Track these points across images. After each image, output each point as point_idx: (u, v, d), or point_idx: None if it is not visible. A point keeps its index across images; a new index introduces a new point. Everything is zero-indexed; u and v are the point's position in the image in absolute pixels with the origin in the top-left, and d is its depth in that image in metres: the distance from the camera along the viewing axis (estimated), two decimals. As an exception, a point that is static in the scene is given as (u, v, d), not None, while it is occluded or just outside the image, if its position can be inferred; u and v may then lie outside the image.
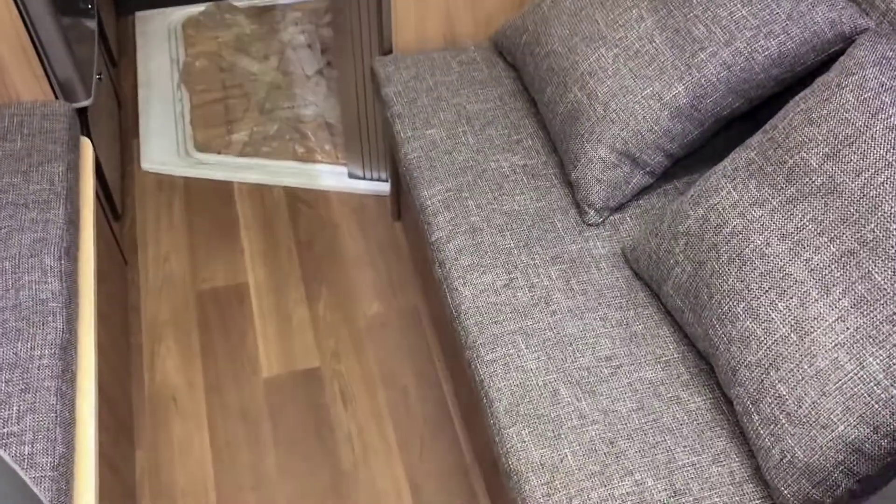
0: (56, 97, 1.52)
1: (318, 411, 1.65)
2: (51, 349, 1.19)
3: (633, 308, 1.22)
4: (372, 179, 2.03)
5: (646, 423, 1.10)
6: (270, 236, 1.94)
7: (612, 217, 1.34)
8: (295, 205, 2.01)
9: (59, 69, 1.50)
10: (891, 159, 0.96)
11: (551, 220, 1.33)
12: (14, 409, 1.12)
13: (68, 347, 1.21)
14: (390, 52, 1.65)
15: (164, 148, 2.09)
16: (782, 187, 1.05)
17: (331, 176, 2.05)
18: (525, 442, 1.09)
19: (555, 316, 1.21)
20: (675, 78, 1.24)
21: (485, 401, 1.15)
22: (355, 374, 1.71)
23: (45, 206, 1.35)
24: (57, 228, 1.33)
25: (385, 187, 2.01)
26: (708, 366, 1.15)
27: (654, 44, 1.26)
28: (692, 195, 1.16)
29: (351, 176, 2.04)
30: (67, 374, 1.19)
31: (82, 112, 1.58)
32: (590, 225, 1.33)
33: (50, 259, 1.28)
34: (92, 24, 1.78)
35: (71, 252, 1.33)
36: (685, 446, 1.07)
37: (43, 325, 1.21)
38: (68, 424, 1.14)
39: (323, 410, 1.65)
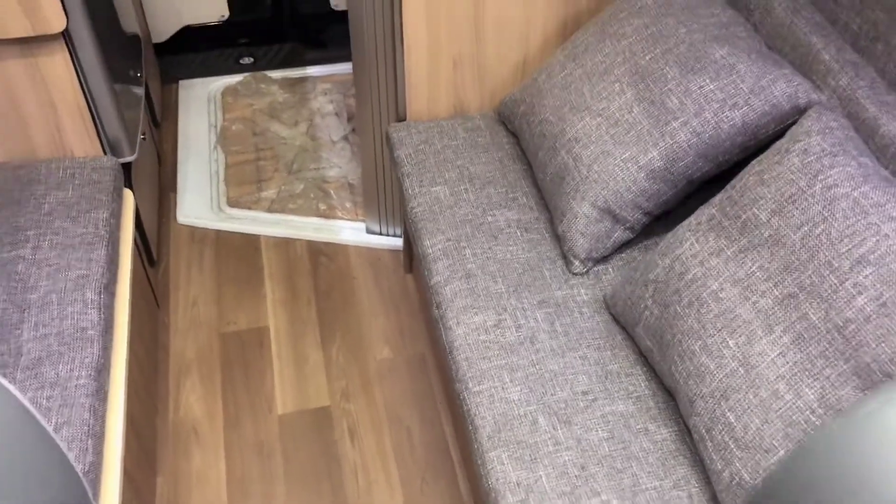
0: (105, 153, 1.71)
1: (327, 447, 1.77)
2: (87, 371, 1.34)
3: (611, 349, 1.34)
4: (388, 235, 2.18)
5: (615, 450, 1.21)
6: (292, 285, 2.10)
7: (595, 268, 1.47)
8: (316, 257, 2.17)
9: (108, 129, 1.69)
10: (826, 214, 1.09)
11: (540, 268, 1.47)
12: (53, 421, 1.27)
13: (102, 370, 1.36)
14: (404, 119, 1.83)
15: (198, 203, 2.27)
16: (736, 239, 1.18)
17: (350, 231, 2.21)
18: (504, 464, 1.20)
19: (538, 354, 1.34)
20: (651, 144, 1.39)
21: (470, 428, 1.27)
22: (363, 413, 1.83)
23: (89, 248, 1.52)
24: (98, 267, 1.49)
25: (399, 242, 2.16)
26: (674, 401, 1.26)
27: (632, 113, 1.42)
28: (661, 247, 1.29)
29: (369, 231, 2.20)
30: (100, 394, 1.33)
31: (126, 166, 1.77)
32: (575, 274, 1.46)
33: (91, 293, 1.44)
34: (139, 90, 1.99)
35: (109, 288, 1.50)
36: (650, 472, 1.18)
37: (81, 349, 1.36)
38: (98, 437, 1.28)
39: (332, 447, 1.77)
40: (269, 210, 2.26)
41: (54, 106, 1.61)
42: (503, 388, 1.29)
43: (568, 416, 1.25)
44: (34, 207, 1.57)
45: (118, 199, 1.67)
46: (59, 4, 1.45)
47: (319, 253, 2.18)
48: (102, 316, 1.43)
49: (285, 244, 2.20)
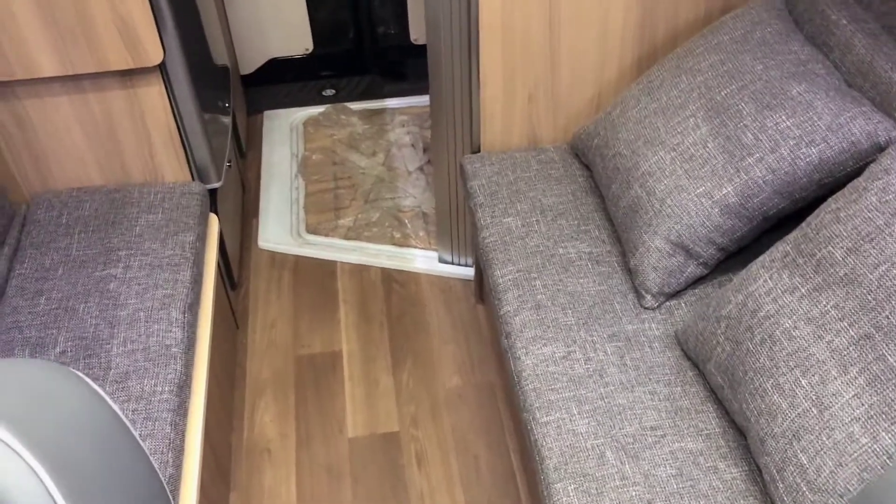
0: (193, 179, 1.79)
1: (395, 471, 1.79)
2: (170, 387, 1.40)
3: (681, 385, 1.34)
4: (459, 264, 2.22)
5: (683, 488, 1.20)
6: (365, 311, 2.15)
7: (667, 302, 1.46)
8: (389, 284, 2.21)
9: (197, 156, 1.78)
10: (906, 254, 1.07)
11: (611, 302, 1.47)
12: (137, 433, 1.33)
13: (184, 386, 1.43)
14: (478, 151, 1.86)
15: (279, 229, 2.35)
16: (811, 277, 1.16)
17: (423, 260, 2.25)
18: (570, 496, 1.20)
19: (607, 387, 1.34)
20: (726, 179, 1.38)
21: (537, 458, 1.28)
22: (431, 439, 1.85)
23: (175, 269, 1.59)
24: (183, 287, 1.56)
25: (470, 272, 2.19)
26: (744, 439, 1.24)
27: (707, 148, 1.42)
28: (734, 283, 1.28)
29: (441, 261, 2.24)
30: (181, 409, 1.40)
31: (213, 192, 1.85)
32: (646, 308, 1.46)
33: (176, 312, 1.51)
34: (227, 120, 2.09)
35: (193, 308, 1.57)
36: (718, 511, 1.16)
37: (165, 366, 1.43)
38: (178, 451, 1.34)
39: (399, 471, 1.80)
40: (346, 237, 2.32)
41: (149, 134, 1.70)
42: (571, 419, 1.29)
43: (636, 451, 1.24)
44: (126, 229, 1.66)
45: (204, 223, 1.75)
46: (158, 39, 1.54)
47: (392, 280, 2.23)
48: (186, 334, 1.50)
49: (360, 270, 2.26)
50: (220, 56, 2.22)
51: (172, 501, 0.92)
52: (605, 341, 1.40)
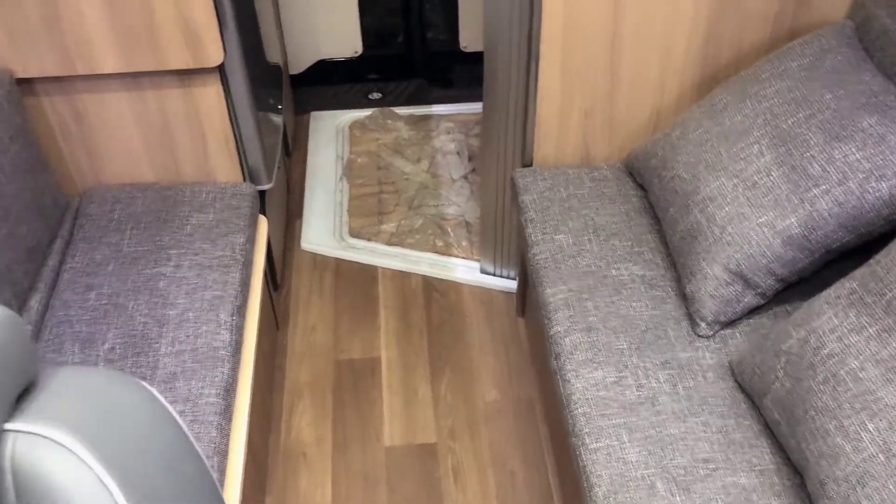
0: (244, 180, 1.79)
1: (431, 483, 1.78)
2: (217, 390, 1.40)
3: (734, 417, 1.31)
4: (501, 276, 2.20)
5: (735, 524, 1.17)
6: (405, 318, 2.14)
7: (722, 331, 1.44)
8: (430, 292, 2.20)
9: (250, 158, 1.78)
10: (985, 301, 1.04)
11: (664, 328, 1.44)
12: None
13: (230, 390, 1.42)
14: (530, 164, 1.84)
15: (322, 231, 2.35)
16: (880, 317, 1.13)
17: (464, 270, 2.24)
18: (618, 526, 1.18)
19: (659, 416, 1.31)
20: (789, 210, 1.35)
21: (585, 485, 1.26)
22: (469, 453, 1.83)
23: (225, 270, 1.59)
24: (232, 289, 1.56)
25: (512, 284, 2.17)
26: (800, 479, 1.22)
27: (771, 177, 1.39)
28: (796, 317, 1.26)
29: (483, 271, 2.22)
30: (227, 413, 1.39)
31: (262, 194, 1.85)
32: (700, 336, 1.43)
33: (225, 314, 1.51)
34: (279, 120, 2.09)
35: (241, 311, 1.56)
36: (771, 552, 1.14)
37: (213, 368, 1.43)
38: (223, 455, 1.34)
39: (435, 483, 1.78)
40: (388, 243, 2.31)
41: (203, 134, 1.70)
42: (621, 447, 1.27)
43: (687, 484, 1.22)
44: (178, 227, 1.66)
45: (253, 224, 1.74)
46: (219, 41, 1.54)
47: (433, 288, 2.21)
48: (233, 337, 1.50)
49: (401, 277, 2.25)
50: (273, 55, 2.23)
51: None
52: (658, 368, 1.38)
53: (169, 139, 1.71)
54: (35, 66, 1.54)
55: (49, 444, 0.64)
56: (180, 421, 0.78)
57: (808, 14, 1.66)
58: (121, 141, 1.70)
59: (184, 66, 1.56)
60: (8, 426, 0.64)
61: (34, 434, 0.64)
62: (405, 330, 2.11)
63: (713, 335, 1.43)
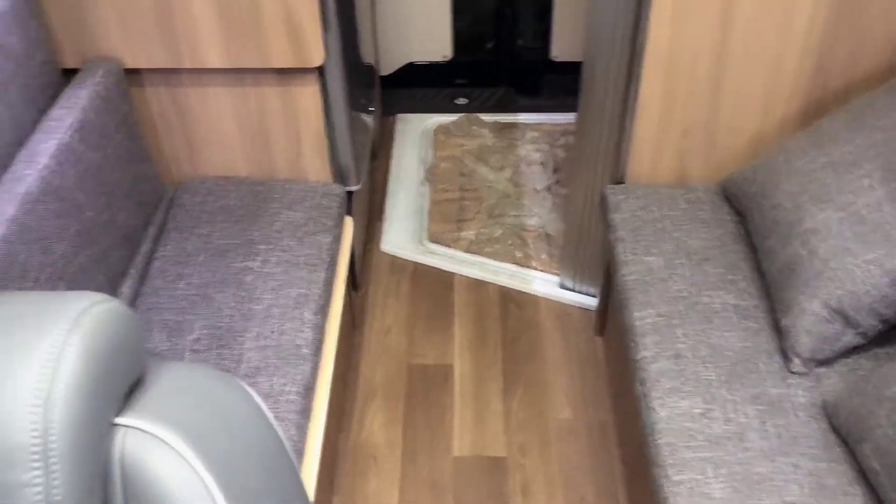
0: (334, 180, 1.81)
1: (498, 498, 1.76)
2: (297, 388, 1.41)
3: (827, 461, 1.25)
4: (581, 293, 2.16)
5: (825, 575, 1.12)
6: (480, 328, 2.12)
7: (817, 369, 1.38)
8: (506, 303, 2.18)
9: (341, 158, 1.79)
10: None
11: (755, 361, 1.39)
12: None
13: (310, 389, 1.43)
14: (622, 181, 1.81)
15: (402, 234, 2.35)
16: None
17: (543, 283, 2.21)
18: (700, 565, 1.14)
19: (747, 452, 1.26)
20: (901, 248, 1.29)
21: (666, 518, 1.22)
22: (538, 471, 1.81)
23: (311, 268, 1.60)
24: (317, 288, 1.57)
25: (592, 301, 2.13)
26: (898, 533, 1.15)
27: (881, 213, 1.32)
28: (903, 362, 1.19)
29: (562, 286, 2.19)
30: (306, 412, 1.40)
31: (349, 194, 1.86)
32: (794, 373, 1.37)
33: (309, 313, 1.52)
34: (370, 120, 2.10)
35: (324, 310, 1.57)
36: None
37: (294, 366, 1.44)
38: (300, 454, 1.34)
39: (503, 498, 1.76)
40: (467, 250, 2.30)
41: (298, 132, 1.72)
42: (706, 482, 1.23)
43: (774, 526, 1.17)
44: (267, 223, 1.68)
45: (340, 225, 1.75)
46: (322, 42, 1.55)
47: (510, 300, 2.19)
48: (316, 335, 1.50)
49: (478, 286, 2.23)
50: (367, 55, 2.24)
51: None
52: (748, 403, 1.33)
53: (265, 135, 1.73)
54: (144, 58, 1.57)
55: (155, 440, 0.65)
56: (274, 421, 0.78)
57: (929, 43, 1.59)
58: (219, 134, 1.73)
59: (285, 66, 1.58)
60: (118, 420, 0.65)
61: (142, 430, 0.65)
62: (480, 340, 2.09)
63: (807, 373, 1.37)
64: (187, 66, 1.58)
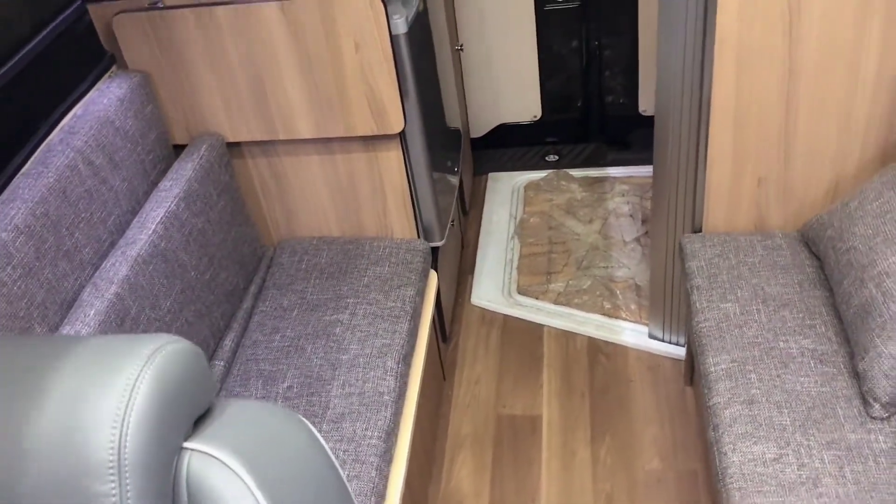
0: (418, 236, 1.91)
1: (584, 547, 1.77)
2: (379, 433, 1.49)
3: (908, 509, 1.22)
4: (670, 343, 2.16)
5: None
6: (568, 378, 2.15)
7: (899, 415, 1.34)
8: (595, 354, 2.20)
9: (425, 216, 1.90)
10: None
11: (832, 406, 1.37)
12: (346, 473, 1.42)
13: (392, 434, 1.51)
14: (699, 230, 1.82)
15: (492, 287, 2.43)
16: None
17: (632, 333, 2.22)
18: None
19: (821, 499, 1.25)
20: (979, 288, 1.26)
21: (736, 563, 1.22)
22: (625, 521, 1.81)
23: (395, 320, 1.70)
24: (400, 338, 1.66)
25: (681, 351, 2.13)
26: (983, 584, 1.11)
27: (958, 252, 1.30)
28: (982, 405, 1.16)
29: (651, 336, 2.19)
30: (387, 455, 1.48)
31: (434, 250, 1.96)
32: (873, 418, 1.35)
33: (392, 362, 1.61)
34: (455, 180, 2.21)
35: (407, 359, 1.66)
36: None
37: (377, 412, 1.52)
38: (381, 496, 1.42)
39: (588, 547, 1.77)
40: (556, 302, 2.35)
41: (384, 193, 1.84)
42: (777, 528, 1.22)
43: (849, 575, 1.15)
44: (356, 279, 1.80)
45: (424, 279, 1.85)
46: (401, 111, 1.68)
47: (598, 350, 2.21)
48: (398, 383, 1.59)
49: (566, 337, 2.27)
50: (453, 120, 2.36)
51: None
52: (823, 448, 1.31)
53: (353, 198, 1.86)
54: (244, 132, 1.75)
55: (218, 464, 0.74)
56: (332, 456, 0.86)
57: None
58: (311, 199, 1.87)
59: (369, 133, 1.71)
60: (186, 444, 0.75)
61: (207, 454, 0.74)
62: (567, 391, 2.12)
63: (888, 417, 1.34)
64: (282, 137, 1.74)
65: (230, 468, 0.74)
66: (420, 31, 1.78)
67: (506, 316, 2.36)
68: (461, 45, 2.58)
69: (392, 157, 1.78)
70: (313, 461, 0.84)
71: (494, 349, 2.26)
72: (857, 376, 1.40)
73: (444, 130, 2.17)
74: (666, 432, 1.97)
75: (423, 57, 1.81)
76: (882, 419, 1.34)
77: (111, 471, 0.67)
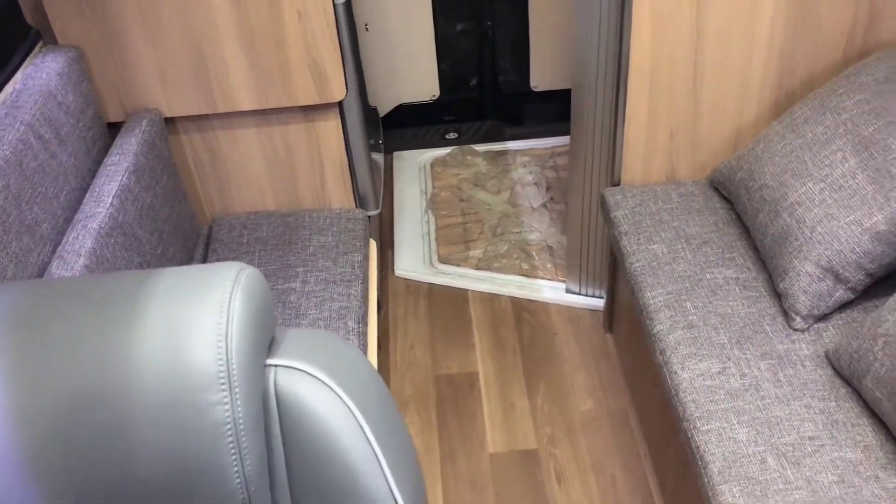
0: (356, 206, 1.96)
1: (535, 486, 1.89)
2: (351, 388, 1.54)
3: (835, 400, 1.41)
4: (587, 295, 2.32)
5: (846, 493, 1.27)
6: (498, 337, 2.27)
7: (816, 325, 1.54)
8: (519, 312, 2.33)
9: (361, 186, 1.95)
10: None
11: (760, 323, 1.55)
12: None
13: (363, 389, 1.56)
14: (618, 185, 1.98)
15: (413, 259, 2.51)
16: (974, 295, 1.23)
17: (551, 290, 2.37)
18: (736, 498, 1.28)
19: (763, 400, 1.42)
20: (875, 208, 1.47)
21: (700, 463, 1.36)
22: (569, 458, 1.94)
23: (348, 284, 1.75)
24: (356, 301, 1.72)
25: (599, 303, 2.29)
26: (906, 451, 1.31)
27: (856, 180, 1.51)
28: (890, 303, 1.36)
29: (568, 291, 2.35)
30: (362, 409, 1.53)
31: (369, 219, 2.02)
32: (796, 330, 1.54)
33: (352, 322, 1.66)
34: (380, 157, 2.27)
35: (364, 320, 1.71)
36: (884, 516, 1.23)
37: (346, 370, 1.57)
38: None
39: (540, 486, 1.89)
40: (476, 267, 2.46)
41: (322, 164, 1.88)
42: (731, 428, 1.38)
43: (797, 459, 1.32)
44: (301, 248, 1.83)
45: (366, 246, 1.90)
46: (343, 79, 1.73)
47: (522, 308, 2.34)
48: (360, 342, 1.64)
49: (490, 299, 2.38)
50: (372, 98, 2.42)
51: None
52: (758, 359, 1.49)
53: (291, 170, 1.89)
54: (181, 107, 1.73)
55: (304, 375, 0.78)
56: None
57: (875, 36, 1.79)
58: (247, 173, 1.88)
59: (311, 102, 1.75)
60: (269, 361, 0.79)
61: (292, 368, 0.79)
62: (499, 347, 2.24)
63: (808, 328, 1.53)
64: (221, 111, 1.75)
65: (318, 378, 0.79)
66: (349, 4, 1.83)
67: (430, 284, 2.44)
68: (367, 25, 2.64)
69: (331, 127, 1.82)
70: (377, 381, 0.89)
71: (424, 316, 2.35)
72: (779, 296, 1.59)
73: (367, 107, 2.23)
74: (594, 377, 2.13)
75: (352, 30, 1.86)
76: (803, 330, 1.53)
77: (222, 381, 0.70)
